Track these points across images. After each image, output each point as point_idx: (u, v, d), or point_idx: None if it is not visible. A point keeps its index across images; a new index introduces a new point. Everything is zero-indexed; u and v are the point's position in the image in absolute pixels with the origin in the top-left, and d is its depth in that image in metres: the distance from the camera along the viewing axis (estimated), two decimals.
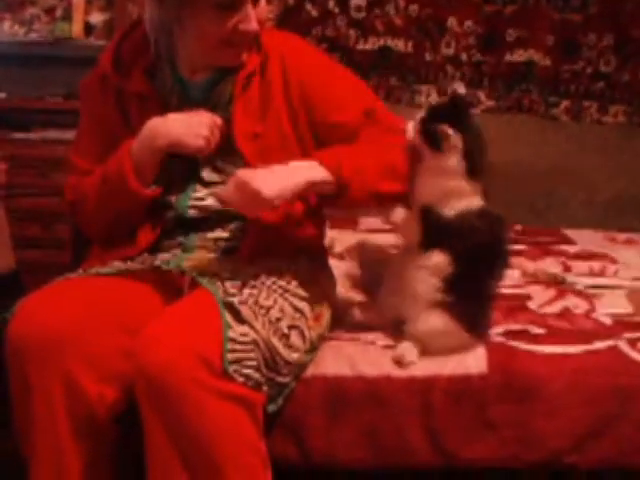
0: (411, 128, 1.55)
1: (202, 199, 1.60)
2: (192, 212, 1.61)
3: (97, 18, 3.02)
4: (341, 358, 1.57)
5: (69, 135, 2.80)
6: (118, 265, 1.58)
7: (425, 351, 1.57)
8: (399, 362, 1.55)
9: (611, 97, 3.10)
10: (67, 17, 3.02)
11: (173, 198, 1.60)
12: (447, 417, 1.52)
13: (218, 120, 1.54)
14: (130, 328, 1.44)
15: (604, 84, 3.09)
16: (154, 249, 1.62)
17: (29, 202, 2.76)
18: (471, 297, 1.54)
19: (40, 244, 2.75)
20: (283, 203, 1.46)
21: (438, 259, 1.52)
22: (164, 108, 1.59)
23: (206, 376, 1.31)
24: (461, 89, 1.54)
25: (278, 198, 1.43)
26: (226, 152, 1.57)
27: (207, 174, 1.60)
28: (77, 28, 3.00)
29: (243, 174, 1.44)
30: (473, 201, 1.52)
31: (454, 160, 1.49)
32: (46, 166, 2.74)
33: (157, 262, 1.58)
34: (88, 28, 3.01)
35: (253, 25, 1.52)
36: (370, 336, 1.63)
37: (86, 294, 1.48)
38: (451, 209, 1.51)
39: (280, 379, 1.43)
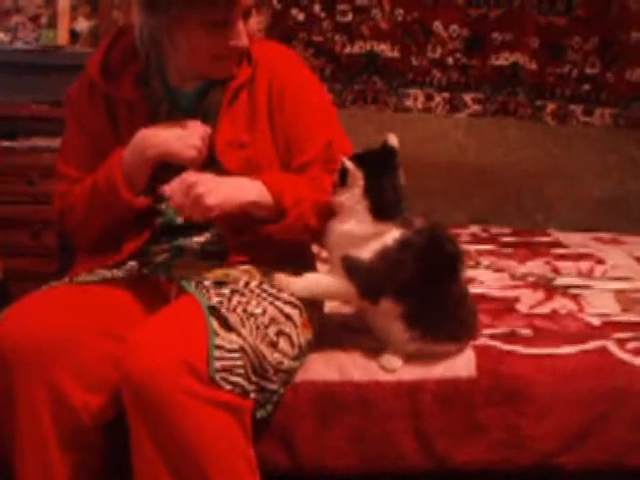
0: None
1: None
2: (181, 219, 1.61)
3: (82, 25, 3.01)
4: (330, 363, 1.57)
5: (56, 143, 2.77)
6: (104, 273, 1.58)
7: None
8: (384, 368, 1.56)
9: (597, 99, 3.11)
10: (52, 24, 3.00)
11: (163, 205, 1.61)
12: (436, 421, 1.53)
13: (209, 130, 1.54)
14: (117, 336, 1.44)
15: (590, 86, 3.10)
16: (141, 255, 1.62)
17: (16, 210, 2.74)
18: (440, 315, 1.52)
19: (27, 252, 2.73)
20: (221, 214, 1.47)
21: (385, 305, 1.51)
22: (154, 116, 1.60)
23: (192, 383, 1.30)
24: (393, 141, 1.53)
25: (219, 208, 1.45)
26: (210, 161, 1.57)
27: None
28: (63, 35, 2.98)
29: (191, 177, 1.45)
30: (387, 237, 1.49)
31: (354, 195, 1.48)
32: (33, 174, 2.72)
33: (144, 270, 1.58)
34: (74, 35, 3.00)
35: (243, 41, 1.53)
36: (358, 340, 1.63)
37: (72, 302, 1.48)
38: (366, 251, 1.48)
39: (269, 385, 1.43)
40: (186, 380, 1.30)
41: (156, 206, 1.60)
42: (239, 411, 1.35)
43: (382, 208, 1.49)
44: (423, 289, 1.50)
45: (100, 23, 2.98)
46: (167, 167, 1.55)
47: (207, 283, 1.51)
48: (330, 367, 1.56)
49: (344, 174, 1.49)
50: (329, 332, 1.68)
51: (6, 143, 2.82)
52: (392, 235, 1.49)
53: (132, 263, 1.62)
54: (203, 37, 1.51)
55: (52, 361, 1.37)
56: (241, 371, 1.36)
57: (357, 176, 1.48)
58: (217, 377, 1.32)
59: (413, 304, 1.50)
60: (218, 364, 1.33)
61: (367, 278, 1.49)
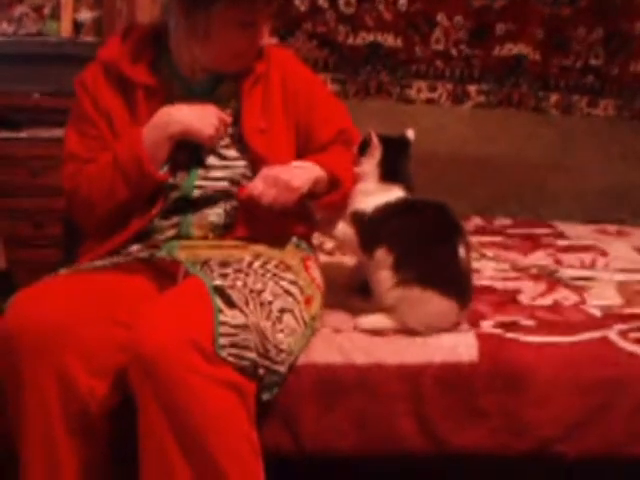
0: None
1: (205, 180, 1.69)
2: (196, 193, 1.68)
3: (86, 16, 3.01)
4: (332, 346, 1.58)
5: (59, 133, 2.78)
6: (110, 259, 1.61)
7: (409, 324, 1.62)
8: (356, 324, 1.65)
9: (601, 91, 3.10)
10: (56, 15, 3.00)
11: (178, 180, 1.68)
12: (438, 405, 1.53)
13: (225, 115, 1.68)
14: (122, 321, 1.46)
15: (594, 78, 3.10)
16: (146, 237, 1.67)
17: (19, 201, 2.75)
18: (426, 265, 1.62)
19: (30, 243, 2.74)
20: (303, 193, 1.65)
21: (378, 254, 1.64)
22: (169, 100, 1.68)
23: (199, 362, 1.33)
24: (410, 135, 1.79)
25: (304, 187, 1.64)
26: (232, 144, 1.71)
27: (210, 159, 1.70)
28: (66, 26, 2.98)
29: (270, 171, 1.62)
30: (389, 196, 1.70)
31: (370, 163, 1.73)
32: (36, 165, 2.73)
33: (147, 254, 1.62)
34: (77, 26, 3.00)
35: (265, 40, 1.70)
36: (360, 322, 1.65)
37: (78, 288, 1.50)
38: (371, 205, 1.70)
39: (273, 366, 1.44)
40: (192, 358, 1.32)
41: (172, 181, 1.67)
42: (243, 393, 1.37)
43: (391, 173, 1.73)
44: (415, 244, 1.64)
45: (103, 14, 2.97)
46: (180, 145, 1.66)
47: (211, 263, 1.56)
48: (332, 350, 1.57)
49: (365, 146, 1.74)
50: (331, 315, 1.70)
51: (9, 133, 2.82)
52: (395, 194, 1.71)
53: (138, 246, 1.65)
54: (235, 35, 1.63)
55: (59, 346, 1.39)
56: (247, 345, 1.38)
57: (377, 147, 1.73)
58: (223, 353, 1.34)
59: (403, 254, 1.62)
60: (223, 340, 1.35)
61: (367, 228, 1.69)
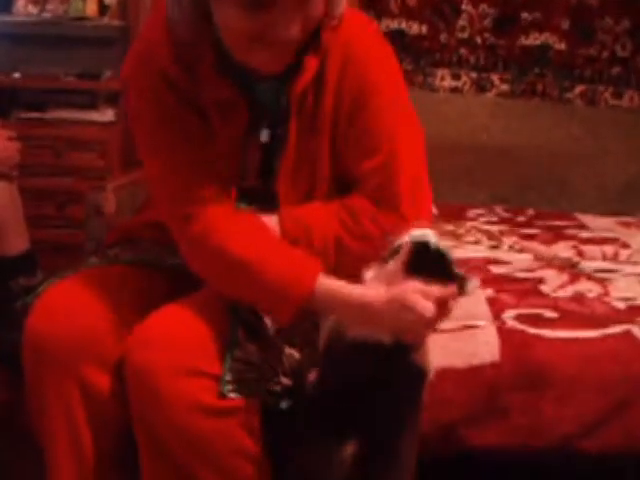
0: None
1: None
2: None
3: None
4: None
5: (83, 115, 2.82)
6: (140, 253, 1.50)
7: None
8: None
9: (626, 82, 3.08)
10: None
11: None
12: (457, 404, 1.51)
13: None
14: None
15: (620, 69, 3.07)
16: None
17: (43, 182, 2.77)
18: None
19: (54, 224, 2.77)
20: None
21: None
22: (251, 112, 1.32)
23: (195, 391, 1.24)
24: (473, 285, 1.19)
25: None
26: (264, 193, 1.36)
27: None
28: (91, 8, 3.00)
29: None
30: None
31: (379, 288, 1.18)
32: (60, 146, 2.75)
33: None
34: (102, 8, 3.01)
35: (281, 28, 1.17)
36: None
37: (107, 290, 1.39)
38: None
39: (301, 381, 1.37)
40: (190, 387, 1.24)
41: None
42: (244, 411, 1.28)
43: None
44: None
45: None
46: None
47: None
48: None
49: (396, 251, 1.18)
50: None
51: (34, 114, 2.85)
52: None
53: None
54: (237, 17, 1.17)
55: (81, 356, 1.32)
56: (253, 378, 1.29)
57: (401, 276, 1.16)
58: (226, 390, 1.26)
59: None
60: (230, 377, 1.26)
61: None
